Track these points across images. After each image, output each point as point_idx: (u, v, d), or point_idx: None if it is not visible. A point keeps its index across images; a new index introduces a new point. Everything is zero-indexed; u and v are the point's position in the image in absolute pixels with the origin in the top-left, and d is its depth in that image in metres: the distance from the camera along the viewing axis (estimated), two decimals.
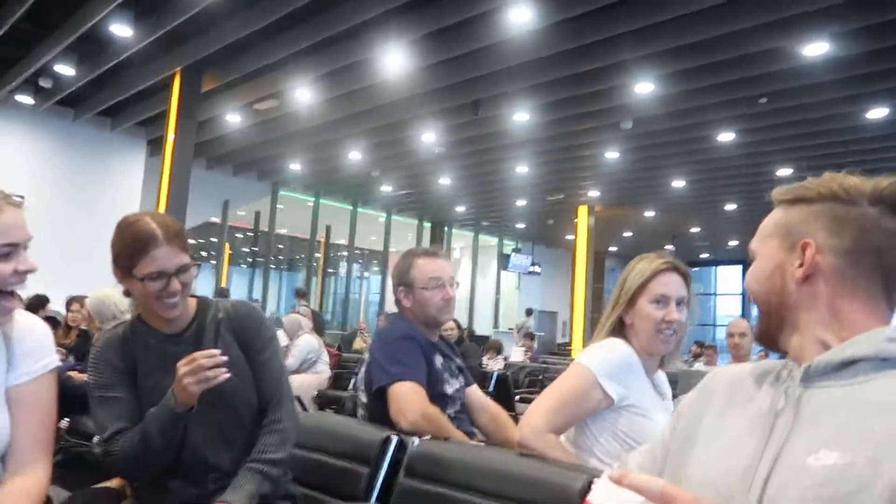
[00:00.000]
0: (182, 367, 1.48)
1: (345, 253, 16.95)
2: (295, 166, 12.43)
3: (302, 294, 9.29)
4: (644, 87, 7.79)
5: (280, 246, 19.55)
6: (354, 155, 11.33)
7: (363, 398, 2.14)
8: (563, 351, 15.15)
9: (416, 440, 1.76)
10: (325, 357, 6.21)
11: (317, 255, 16.84)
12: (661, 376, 1.91)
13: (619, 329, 1.82)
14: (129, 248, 1.56)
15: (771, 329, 0.99)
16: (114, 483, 1.91)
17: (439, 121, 9.48)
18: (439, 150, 10.81)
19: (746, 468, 0.90)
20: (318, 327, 7.10)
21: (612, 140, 9.88)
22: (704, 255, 19.86)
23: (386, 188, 13.87)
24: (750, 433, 0.94)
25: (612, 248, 19.73)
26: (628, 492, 0.77)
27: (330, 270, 19.76)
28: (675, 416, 1.11)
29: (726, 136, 9.27)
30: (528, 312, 15.14)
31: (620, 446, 1.68)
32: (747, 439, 0.93)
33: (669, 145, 9.88)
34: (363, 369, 2.18)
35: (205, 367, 1.46)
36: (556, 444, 1.68)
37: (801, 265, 0.94)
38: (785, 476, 0.86)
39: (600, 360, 1.71)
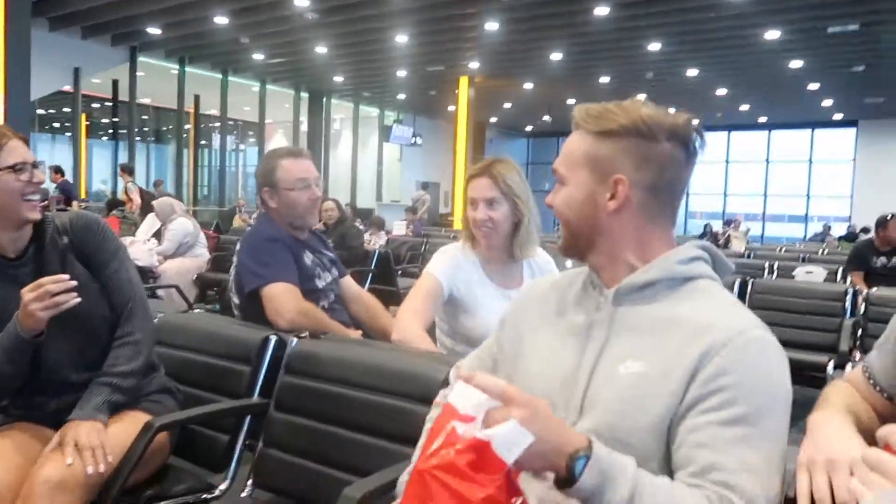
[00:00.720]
0: (28, 293, 1.45)
1: (217, 124, 16.06)
2: (154, 30, 11.35)
3: (128, 170, 8.72)
4: None
5: (144, 117, 18.16)
6: (220, 19, 10.48)
7: (236, 300, 2.18)
8: (446, 222, 15.52)
9: (293, 339, 1.85)
10: (203, 240, 6.06)
11: (186, 126, 15.83)
12: (531, 261, 2.11)
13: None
14: None
15: (579, 248, 1.10)
16: None
17: None
18: (313, 17, 10.21)
19: (565, 378, 1.05)
20: (145, 206, 6.74)
21: (493, 10, 9.72)
22: None
23: (258, 56, 13.04)
24: (565, 346, 1.08)
25: (493, 120, 19.92)
26: (482, 394, 0.87)
27: (202, 142, 18.73)
28: (498, 327, 1.24)
29: (602, 10, 9.36)
30: (424, 186, 15.25)
31: (451, 334, 2.07)
32: (564, 352, 1.08)
33: (548, 17, 9.86)
34: (232, 270, 2.21)
35: (52, 291, 1.44)
36: (423, 337, 1.93)
37: (611, 197, 1.04)
38: (600, 382, 1.01)
39: (435, 262, 2.08)
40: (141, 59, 12.90)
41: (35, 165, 1.56)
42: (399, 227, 10.62)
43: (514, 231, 2.03)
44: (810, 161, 19.22)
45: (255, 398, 1.82)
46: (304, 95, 16.51)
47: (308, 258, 2.19)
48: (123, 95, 13.60)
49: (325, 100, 16.76)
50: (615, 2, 9.06)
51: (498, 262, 2.09)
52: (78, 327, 1.61)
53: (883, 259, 4.83)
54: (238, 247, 2.19)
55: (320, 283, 2.21)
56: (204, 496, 1.73)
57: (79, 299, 1.47)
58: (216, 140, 16.96)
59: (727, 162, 20.07)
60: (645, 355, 0.99)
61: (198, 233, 6.02)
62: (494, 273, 2.09)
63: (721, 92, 14.65)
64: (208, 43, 12.06)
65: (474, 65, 13.17)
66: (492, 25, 10.35)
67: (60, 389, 1.62)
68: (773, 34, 10.11)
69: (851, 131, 18.41)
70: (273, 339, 1.86)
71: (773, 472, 0.92)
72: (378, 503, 1.27)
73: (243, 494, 1.74)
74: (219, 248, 6.54)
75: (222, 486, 1.76)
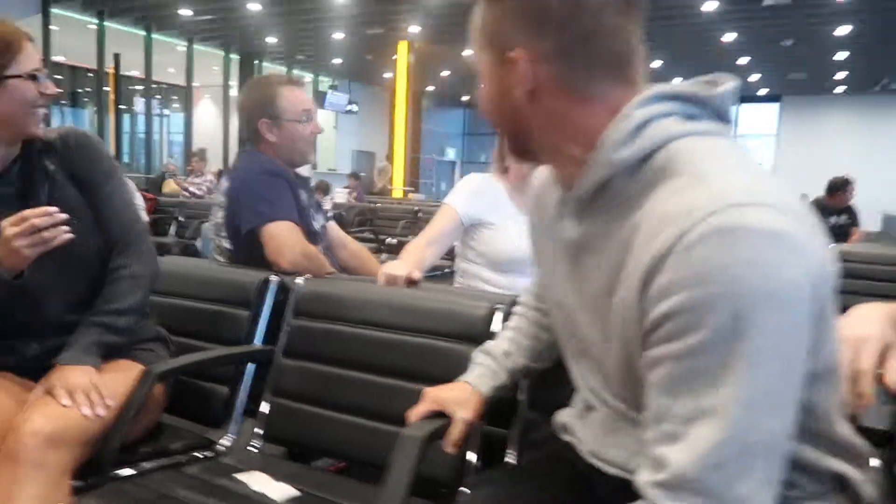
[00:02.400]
0: (10, 226, 1.23)
1: (140, 87, 15.13)
2: None
3: None
4: None
5: (59, 77, 16.92)
6: None
7: (225, 244, 1.96)
8: (384, 191, 15.27)
9: (299, 279, 1.67)
10: (141, 202, 5.67)
11: (105, 88, 14.85)
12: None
13: (504, 161, 2.13)
14: (1, 45, 1.28)
15: (522, 146, 0.90)
16: None
17: None
18: None
19: (572, 314, 0.93)
20: None
21: None
22: None
23: (185, 12, 12.29)
24: (561, 272, 0.94)
25: (430, 88, 19.64)
26: None
27: (123, 107, 17.67)
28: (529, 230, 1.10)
29: None
30: (365, 156, 14.99)
31: (476, 255, 2.10)
32: (563, 280, 0.94)
33: None
34: (220, 213, 1.98)
35: (39, 226, 1.23)
36: (411, 254, 1.92)
37: (518, 82, 0.82)
38: (598, 317, 0.86)
39: (453, 192, 2.13)
40: (54, 11, 11.93)
41: (47, 75, 1.37)
42: (340, 195, 10.35)
43: None
44: (735, 136, 19.90)
45: (257, 345, 1.64)
46: (235, 58, 15.75)
47: (304, 197, 2.00)
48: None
49: (256, 63, 16.04)
50: None
51: (525, 191, 2.03)
52: (66, 260, 1.38)
53: (834, 218, 5.16)
54: (227, 185, 1.96)
55: (316, 226, 2.02)
56: (205, 453, 1.55)
57: (70, 235, 1.26)
58: (139, 104, 16.03)
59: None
60: (621, 278, 0.78)
61: (135, 194, 5.62)
62: (520, 202, 2.06)
63: (656, 64, 14.88)
64: None
65: (414, 29, 12.87)
66: None
67: (44, 332, 1.40)
68: (710, 5, 10.28)
69: (775, 106, 19.14)
70: (274, 280, 1.68)
71: (759, 405, 0.67)
72: None
73: (251, 448, 1.56)
74: (156, 210, 6.19)
75: (225, 442, 1.58)
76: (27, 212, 1.24)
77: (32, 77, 1.33)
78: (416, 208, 7.54)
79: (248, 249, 1.86)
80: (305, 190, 2.06)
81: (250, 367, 1.64)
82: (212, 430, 1.61)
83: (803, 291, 0.68)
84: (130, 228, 1.47)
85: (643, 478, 0.73)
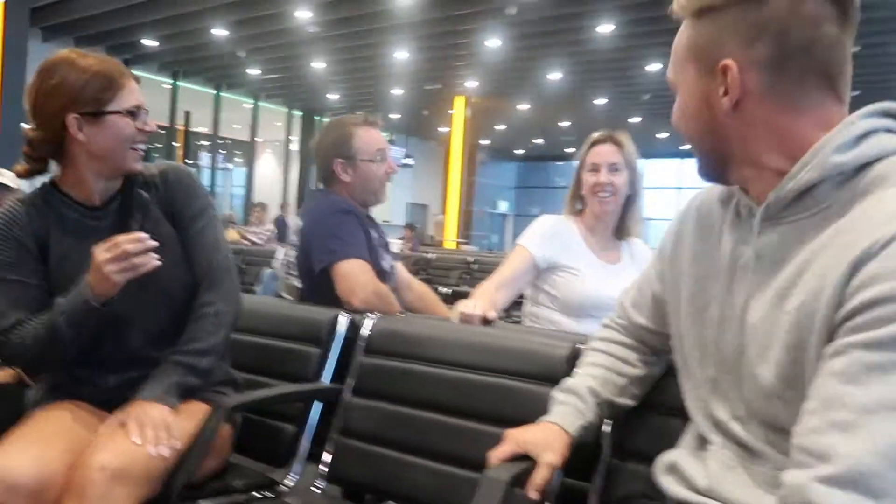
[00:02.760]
0: (102, 252, 1.24)
1: (207, 142, 15.79)
2: (149, 42, 11.14)
3: None
4: None
5: None
6: (218, 31, 10.31)
7: (296, 282, 1.95)
8: (436, 243, 15.36)
9: (372, 317, 1.64)
10: None
11: (175, 143, 15.56)
12: (630, 244, 2.11)
13: (580, 202, 2.10)
14: (100, 82, 1.31)
15: (714, 167, 0.90)
16: (4, 375, 1.67)
17: None
18: (314, 30, 10.09)
19: (717, 334, 0.90)
20: None
21: (494, 26, 9.66)
22: (570, 150, 20.54)
23: (253, 71, 12.87)
24: (720, 281, 0.91)
25: (485, 142, 19.88)
26: None
27: (189, 161, 18.43)
28: (657, 256, 1.09)
29: (605, 28, 9.35)
30: (421, 207, 15.37)
31: (550, 299, 2.03)
32: (719, 290, 0.91)
33: (550, 34, 9.85)
34: (292, 252, 1.98)
35: (130, 252, 1.23)
36: (484, 296, 1.86)
37: (725, 92, 0.82)
38: (755, 332, 0.84)
39: (527, 233, 2.07)
40: (134, 71, 12.66)
41: (146, 112, 1.40)
42: (395, 246, 10.46)
43: (625, 206, 2.03)
44: None
45: (326, 383, 1.60)
46: (297, 114, 16.34)
47: (375, 236, 1.98)
48: None
49: (317, 118, 16.60)
50: (619, 19, 9.06)
51: (601, 236, 2.07)
52: (154, 292, 1.39)
53: None
54: (301, 224, 1.96)
55: (386, 266, 2.00)
56: (267, 493, 1.50)
57: (159, 263, 1.27)
58: (205, 158, 16.70)
59: None
60: (808, 283, 0.77)
61: None
62: (595, 246, 2.05)
63: (634, 120, 14.74)
64: (203, 56, 11.88)
65: (471, 84, 13.13)
66: (493, 42, 10.30)
67: (124, 364, 1.40)
68: None
69: None
70: (344, 318, 1.65)
71: None
72: None
73: (314, 489, 1.51)
74: None
75: (288, 482, 1.53)
76: (118, 237, 1.25)
77: (132, 114, 1.36)
78: (471, 259, 7.53)
79: (320, 287, 1.84)
80: (376, 230, 2.05)
81: (317, 407, 1.59)
82: (277, 469, 1.57)
83: None
84: (218, 265, 1.46)
85: (802, 474, 0.68)
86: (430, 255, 8.31)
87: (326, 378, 1.61)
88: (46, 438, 1.26)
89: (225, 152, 19.11)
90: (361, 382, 1.55)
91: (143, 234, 1.26)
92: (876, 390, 0.66)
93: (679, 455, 0.98)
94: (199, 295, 1.43)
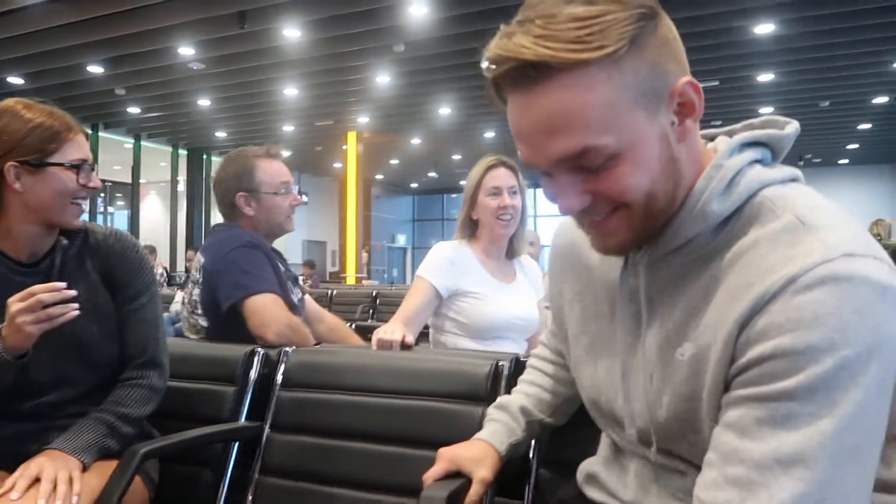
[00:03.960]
0: (15, 302, 1.17)
1: None
2: (16, 80, 10.44)
3: None
4: (418, 9, 7.78)
5: None
6: (94, 68, 9.83)
7: (202, 321, 1.88)
8: (338, 279, 15.15)
9: (288, 350, 1.61)
10: None
11: None
12: (520, 262, 2.17)
13: (471, 226, 2.10)
14: (44, 132, 1.26)
15: (656, 216, 0.77)
16: None
17: (198, 33, 8.57)
18: (198, 67, 9.83)
19: (615, 380, 0.88)
20: None
21: (384, 63, 9.80)
22: (464, 182, 20.93)
23: (134, 109, 12.33)
24: (604, 319, 0.90)
25: (379, 176, 19.96)
26: None
27: None
28: (550, 301, 1.08)
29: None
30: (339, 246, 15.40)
31: (457, 326, 2.03)
32: (610, 342, 0.89)
33: (439, 70, 10.09)
34: (195, 290, 1.92)
35: (45, 302, 1.17)
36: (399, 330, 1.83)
37: (677, 115, 0.74)
38: (658, 376, 0.81)
39: (425, 264, 2.06)
40: None
41: (92, 167, 1.34)
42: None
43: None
44: None
45: (243, 422, 1.55)
46: (183, 152, 15.76)
47: (282, 270, 1.95)
48: None
49: (205, 156, 16.08)
50: None
51: (494, 258, 2.12)
52: (78, 360, 1.34)
53: None
54: (203, 261, 1.89)
55: (295, 299, 1.97)
56: None
57: (77, 313, 1.20)
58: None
59: None
60: (695, 332, 0.76)
61: None
62: (492, 268, 2.10)
63: None
64: (78, 94, 11.24)
65: (363, 119, 13.19)
66: (383, 78, 10.44)
67: (36, 413, 1.32)
68: None
69: None
70: (260, 352, 1.61)
71: (846, 461, 0.64)
72: None
73: None
74: None
75: None
76: (34, 287, 1.18)
77: (75, 167, 1.30)
78: (374, 292, 7.49)
79: (228, 324, 1.78)
80: (283, 263, 2.01)
81: (237, 448, 1.53)
82: None
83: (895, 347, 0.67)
84: (157, 344, 1.44)
85: None
86: (331, 292, 8.20)
87: (244, 417, 1.56)
88: None
89: (104, 195, 18.11)
90: (281, 418, 1.51)
91: (60, 284, 1.19)
92: (770, 444, 0.65)
93: (598, 466, 1.01)
94: (133, 368, 1.40)
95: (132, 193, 15.06)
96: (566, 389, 1.16)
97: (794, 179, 0.80)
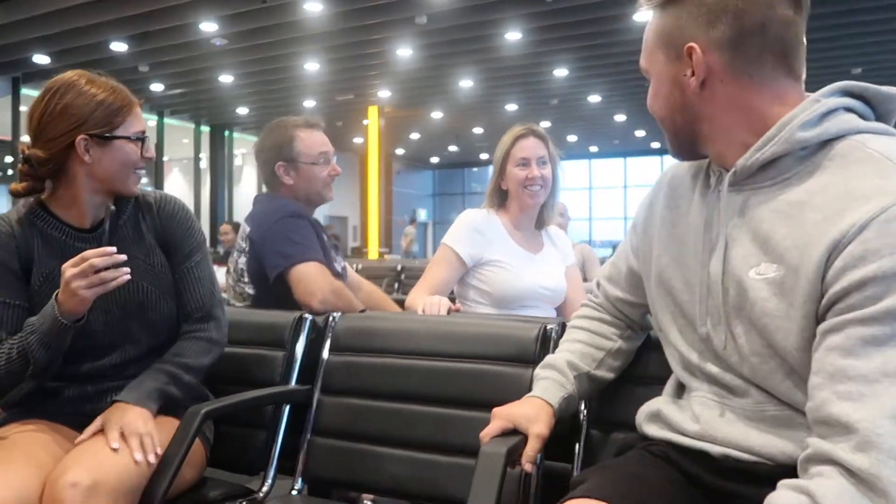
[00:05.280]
0: (69, 267, 1.21)
1: None
2: (42, 58, 10.55)
3: None
4: None
5: None
6: (118, 46, 9.89)
7: (248, 290, 1.92)
8: (360, 254, 15.24)
9: (336, 316, 1.64)
10: None
11: None
12: (548, 232, 2.15)
13: (500, 195, 2.09)
14: (111, 105, 1.31)
15: (684, 144, 0.98)
16: None
17: (221, 8, 8.57)
18: (221, 43, 9.84)
19: (700, 289, 0.95)
20: None
21: (405, 36, 9.73)
22: (485, 156, 20.91)
23: (157, 86, 12.41)
24: (692, 251, 0.98)
25: (399, 151, 19.95)
26: None
27: None
28: (630, 232, 1.17)
29: (513, 36, 9.60)
30: (412, 220, 15.47)
31: (480, 294, 2.02)
32: (691, 259, 0.97)
33: (460, 42, 10.00)
34: (242, 259, 1.94)
35: (97, 266, 1.21)
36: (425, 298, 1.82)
37: (692, 73, 0.90)
38: (735, 292, 0.90)
39: (452, 232, 2.04)
40: (25, 91, 11.95)
41: (148, 138, 1.41)
42: None
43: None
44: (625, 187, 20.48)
45: (294, 385, 1.59)
46: (205, 129, 15.86)
47: (325, 238, 1.97)
48: (4, 132, 12.51)
49: (227, 133, 16.17)
50: (526, 27, 9.33)
51: (525, 227, 2.11)
52: (137, 317, 1.39)
53: None
54: (248, 231, 1.92)
55: (337, 267, 1.99)
56: (244, 502, 1.47)
57: (128, 276, 1.24)
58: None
59: (625, 187, 21.04)
60: (777, 253, 0.84)
61: None
62: (520, 238, 2.08)
63: (620, 118, 15.40)
64: (102, 71, 11.32)
65: (384, 94, 13.15)
66: (404, 51, 10.38)
67: (97, 380, 1.38)
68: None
69: (659, 159, 19.49)
70: (308, 318, 1.64)
71: None
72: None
73: (294, 492, 1.49)
74: None
75: (265, 489, 1.51)
76: (87, 252, 1.21)
77: (138, 139, 1.36)
78: (399, 266, 7.54)
79: (276, 292, 1.82)
80: (324, 232, 2.04)
81: (288, 411, 1.57)
82: (252, 478, 1.54)
83: None
84: (212, 297, 1.48)
85: (825, 443, 0.74)
86: (357, 265, 8.26)
87: (295, 381, 1.60)
88: (19, 460, 1.19)
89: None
90: (330, 381, 1.55)
91: (110, 249, 1.23)
92: (876, 360, 0.73)
93: (661, 403, 1.05)
94: (191, 323, 1.45)
95: (156, 171, 15.22)
96: (611, 343, 1.21)
97: (888, 134, 0.86)
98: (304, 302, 1.76)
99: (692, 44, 0.89)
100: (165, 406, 1.36)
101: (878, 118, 0.89)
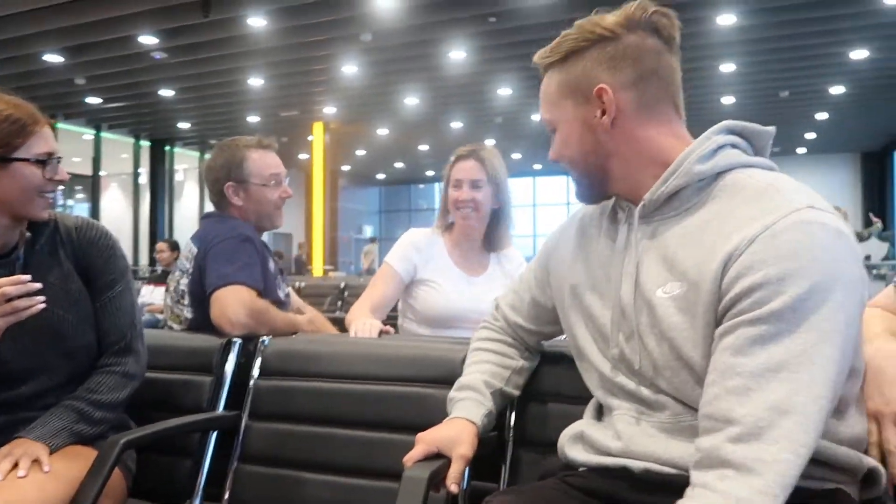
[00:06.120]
0: None
1: None
2: None
3: None
4: None
5: None
6: (53, 57, 9.59)
7: (187, 312, 1.85)
8: (305, 271, 15.04)
9: (265, 339, 1.62)
10: None
11: None
12: (500, 255, 2.14)
13: (446, 216, 2.11)
14: (13, 125, 1.25)
15: (594, 185, 1.05)
16: None
17: (161, 21, 8.41)
18: (161, 57, 9.65)
19: (613, 311, 1.02)
20: None
21: (351, 53, 9.74)
22: (431, 173, 21.00)
23: (94, 100, 12.06)
24: (604, 278, 1.05)
25: (345, 167, 19.85)
26: None
27: None
28: (534, 264, 1.24)
29: (458, 54, 9.71)
30: (372, 239, 15.78)
31: (413, 312, 2.06)
32: (604, 285, 1.04)
33: (405, 60, 10.07)
34: (184, 280, 1.88)
35: (9, 295, 1.17)
36: (364, 314, 1.87)
37: (603, 112, 0.98)
38: (645, 311, 0.97)
39: (392, 249, 2.08)
40: None
41: (59, 160, 1.33)
42: None
43: (493, 219, 2.07)
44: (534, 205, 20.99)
45: (221, 411, 1.56)
46: (145, 144, 15.46)
47: (272, 265, 1.93)
48: None
49: (167, 148, 15.79)
50: (470, 46, 9.45)
51: (466, 249, 2.11)
52: (54, 346, 1.34)
53: None
54: (195, 251, 1.84)
55: (282, 294, 1.95)
56: None
57: (43, 305, 1.20)
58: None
59: (567, 204, 21.41)
60: (681, 272, 0.92)
61: None
62: (459, 259, 2.09)
63: (517, 156, 15.65)
64: (36, 84, 10.93)
65: (329, 110, 13.09)
66: (349, 68, 10.37)
67: (10, 404, 1.32)
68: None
69: (564, 178, 20.20)
70: (237, 342, 1.62)
71: (822, 372, 0.80)
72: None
73: None
74: None
75: None
76: (0, 279, 1.17)
77: (41, 162, 1.29)
78: (342, 283, 7.47)
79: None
80: (272, 257, 1.99)
81: (215, 438, 1.54)
82: None
83: (861, 287, 0.85)
84: (133, 329, 1.44)
85: (712, 438, 0.80)
86: (299, 284, 8.14)
87: (222, 406, 1.57)
88: None
89: (63, 188, 17.66)
90: (259, 406, 1.53)
91: (24, 277, 1.19)
92: (761, 357, 0.80)
93: (583, 425, 1.09)
94: (109, 356, 1.41)
95: (92, 186, 14.75)
96: (515, 362, 1.27)
97: (768, 168, 0.97)
98: (217, 324, 1.68)
99: (602, 85, 0.98)
100: (75, 443, 1.31)
101: (756, 151, 1.00)
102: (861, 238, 8.81)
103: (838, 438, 0.90)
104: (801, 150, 17.08)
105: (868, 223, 9.34)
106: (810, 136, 15.58)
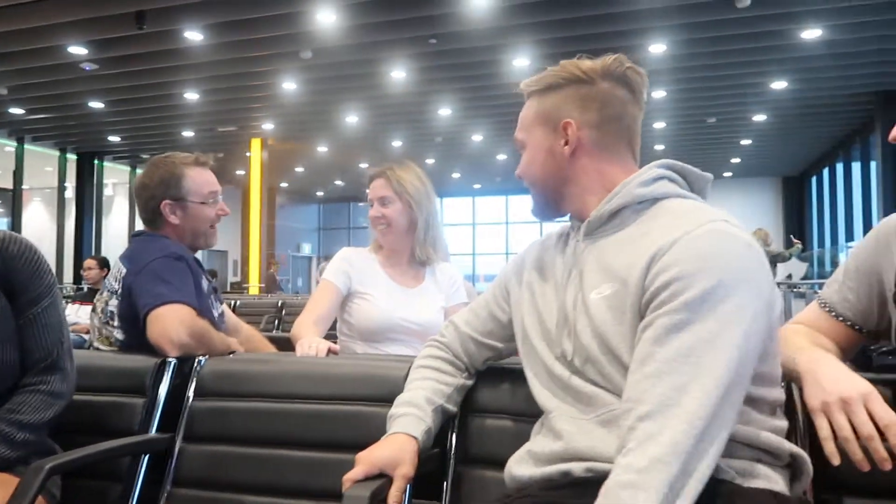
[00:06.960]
0: None
1: None
2: None
3: None
4: (326, 17, 7.74)
5: None
6: None
7: (117, 334, 1.78)
8: (240, 289, 14.69)
9: (201, 359, 1.58)
10: None
11: None
12: (435, 269, 2.18)
13: None
14: None
15: (550, 203, 1.19)
16: None
17: (92, 32, 8.14)
18: (91, 68, 9.33)
19: (557, 320, 1.11)
20: None
21: (290, 70, 9.64)
22: None
23: (17, 110, 11.53)
24: (552, 292, 1.15)
25: (284, 184, 19.56)
26: None
27: None
28: (494, 285, 1.32)
29: (398, 74, 9.77)
30: (326, 257, 14.83)
31: (348, 328, 2.09)
32: (551, 297, 1.15)
33: (346, 79, 10.04)
34: (113, 301, 1.81)
35: None
36: (311, 330, 1.88)
37: (566, 143, 1.12)
38: (581, 311, 1.07)
39: (329, 266, 2.13)
40: None
41: None
42: None
43: (411, 231, 2.10)
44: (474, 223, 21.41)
45: (154, 433, 1.50)
46: (72, 157, 14.85)
47: (205, 284, 1.88)
48: None
49: (96, 162, 15.21)
50: (411, 66, 9.52)
51: (398, 264, 2.16)
52: None
53: None
54: (123, 271, 1.79)
55: (216, 314, 1.91)
56: None
57: None
58: None
59: (507, 223, 21.70)
60: (613, 274, 1.04)
61: None
62: (392, 272, 2.13)
63: (502, 157, 15.94)
64: None
65: (268, 126, 12.91)
66: (289, 85, 10.28)
67: None
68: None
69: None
70: (172, 362, 1.57)
71: (729, 358, 0.89)
72: None
73: None
74: None
75: None
76: None
77: None
78: (279, 302, 7.33)
79: (144, 336, 1.71)
80: (206, 276, 1.95)
81: (147, 461, 1.49)
82: None
83: (769, 293, 0.96)
84: (60, 346, 1.38)
85: (628, 421, 0.88)
86: (235, 303, 7.94)
87: (155, 429, 1.52)
88: None
89: None
90: (194, 428, 1.49)
91: None
92: (675, 344, 0.90)
93: (528, 445, 1.13)
94: (34, 374, 1.35)
95: (13, 200, 14.04)
96: (454, 380, 1.30)
97: (696, 199, 1.10)
98: (156, 345, 1.63)
99: (569, 120, 1.12)
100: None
101: (695, 192, 1.13)
102: (783, 258, 9.23)
103: (763, 427, 1.00)
104: (727, 174, 17.83)
105: (789, 244, 9.80)
106: (735, 160, 16.32)
